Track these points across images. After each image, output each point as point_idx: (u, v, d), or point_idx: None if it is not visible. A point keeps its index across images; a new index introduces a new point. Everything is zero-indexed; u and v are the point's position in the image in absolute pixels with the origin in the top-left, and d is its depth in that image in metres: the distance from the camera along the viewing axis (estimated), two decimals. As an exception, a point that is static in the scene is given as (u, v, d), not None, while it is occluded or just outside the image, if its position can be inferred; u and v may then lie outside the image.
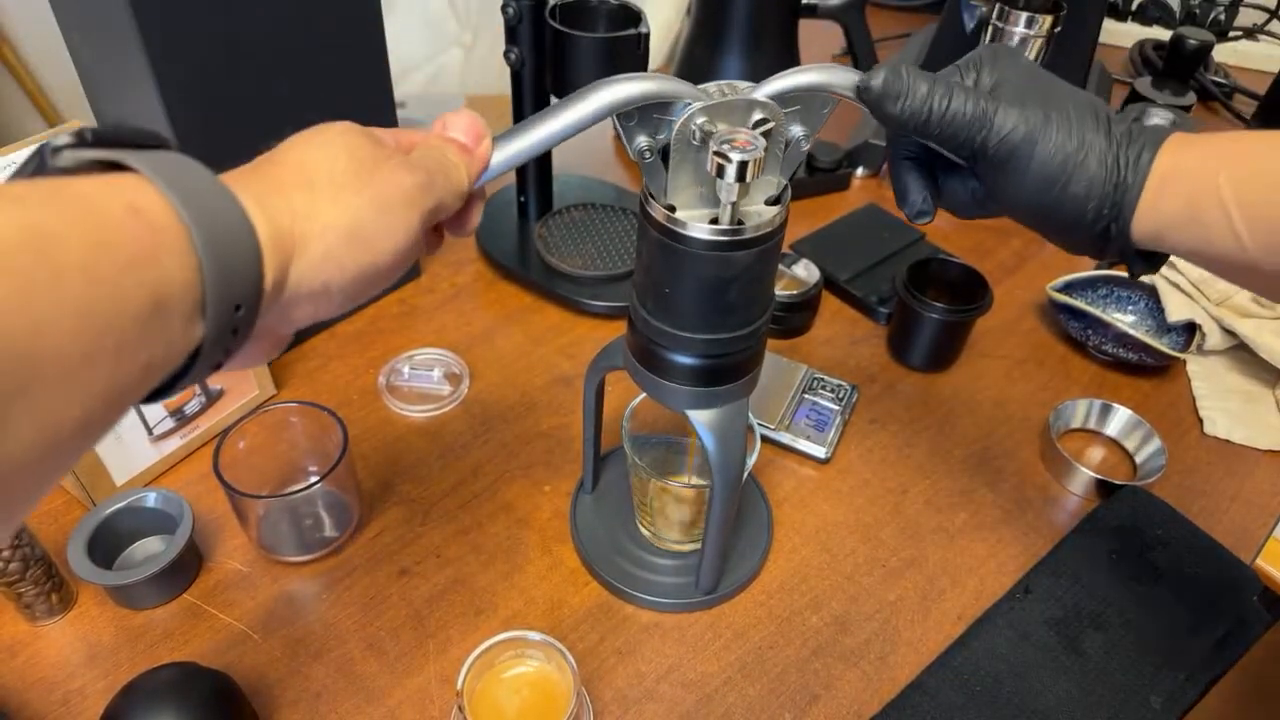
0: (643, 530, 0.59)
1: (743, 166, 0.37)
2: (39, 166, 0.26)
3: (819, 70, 0.40)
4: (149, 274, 0.24)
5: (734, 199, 0.39)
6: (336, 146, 0.32)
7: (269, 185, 0.30)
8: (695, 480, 0.60)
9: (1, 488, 0.22)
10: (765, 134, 0.39)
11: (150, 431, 0.59)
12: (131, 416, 0.58)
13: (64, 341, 0.22)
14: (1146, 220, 0.37)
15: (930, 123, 0.39)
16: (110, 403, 0.24)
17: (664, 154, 0.40)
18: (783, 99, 0.39)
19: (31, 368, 0.21)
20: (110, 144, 0.26)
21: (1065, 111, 0.38)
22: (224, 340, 0.28)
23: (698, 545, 0.58)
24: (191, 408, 0.61)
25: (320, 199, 0.31)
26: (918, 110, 0.38)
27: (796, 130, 0.40)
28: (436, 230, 0.39)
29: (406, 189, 0.33)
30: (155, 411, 0.59)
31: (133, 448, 0.59)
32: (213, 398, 0.62)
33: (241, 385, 0.64)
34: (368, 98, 0.66)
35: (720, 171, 0.38)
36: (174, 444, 0.62)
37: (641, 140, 0.39)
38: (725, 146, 0.37)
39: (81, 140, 0.26)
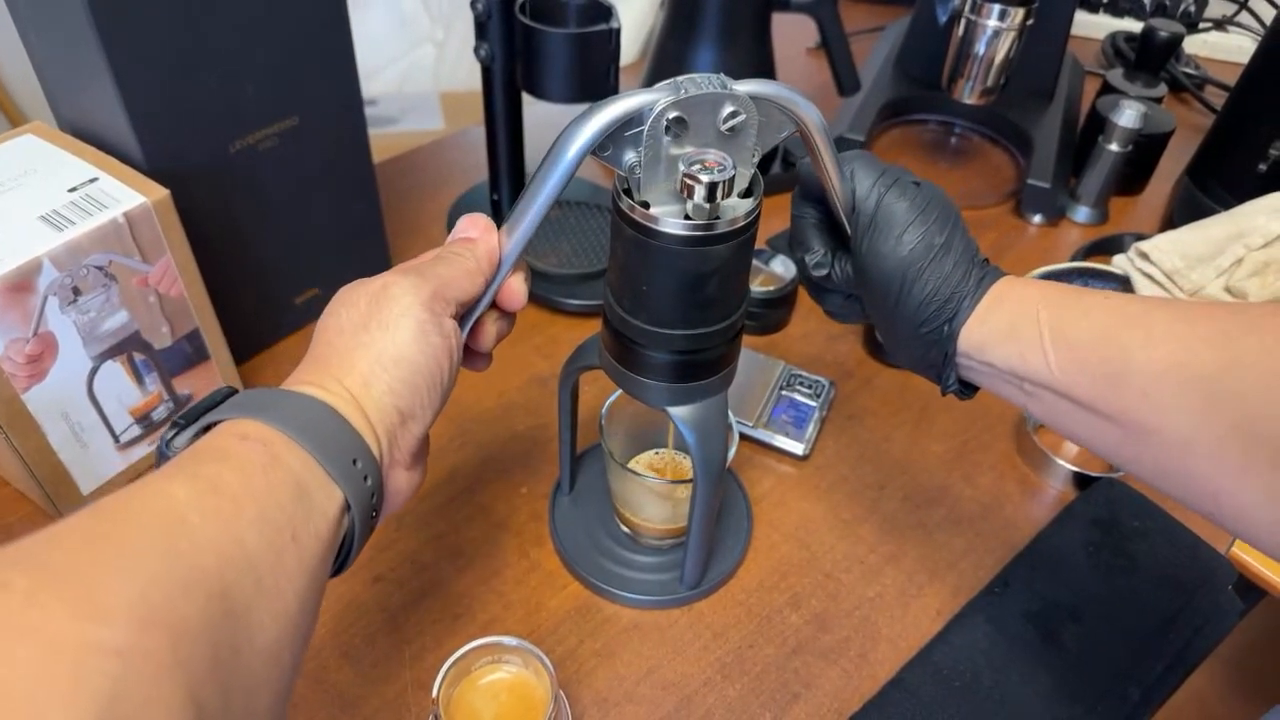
0: (622, 528, 0.59)
1: (712, 188, 0.37)
2: (164, 459, 0.32)
3: (786, 89, 0.39)
4: (280, 470, 0.31)
5: (705, 216, 0.38)
6: (337, 309, 0.38)
7: (313, 370, 0.36)
8: (674, 472, 0.59)
9: (269, 669, 0.28)
10: (734, 129, 0.38)
11: (117, 439, 0.58)
12: (96, 423, 0.56)
13: (259, 544, 0.28)
14: (975, 331, 0.42)
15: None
16: (310, 578, 0.31)
17: None
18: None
19: (252, 571, 0.28)
20: (196, 418, 0.34)
21: (948, 216, 0.44)
22: (362, 492, 0.34)
23: (678, 541, 0.57)
24: (159, 414, 0.60)
25: (347, 354, 0.37)
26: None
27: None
28: (495, 308, 0.43)
29: (396, 296, 0.37)
30: (122, 419, 0.58)
31: (99, 455, 0.58)
32: (181, 403, 0.61)
33: (210, 388, 0.63)
34: (335, 97, 0.65)
35: (690, 193, 0.38)
36: (142, 451, 0.60)
37: (628, 157, 0.39)
38: (695, 169, 0.37)
39: (178, 426, 0.34)
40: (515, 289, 0.43)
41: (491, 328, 0.44)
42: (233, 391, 0.35)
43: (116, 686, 0.21)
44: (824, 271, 0.47)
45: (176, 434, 0.34)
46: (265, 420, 0.32)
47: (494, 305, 0.43)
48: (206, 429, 0.33)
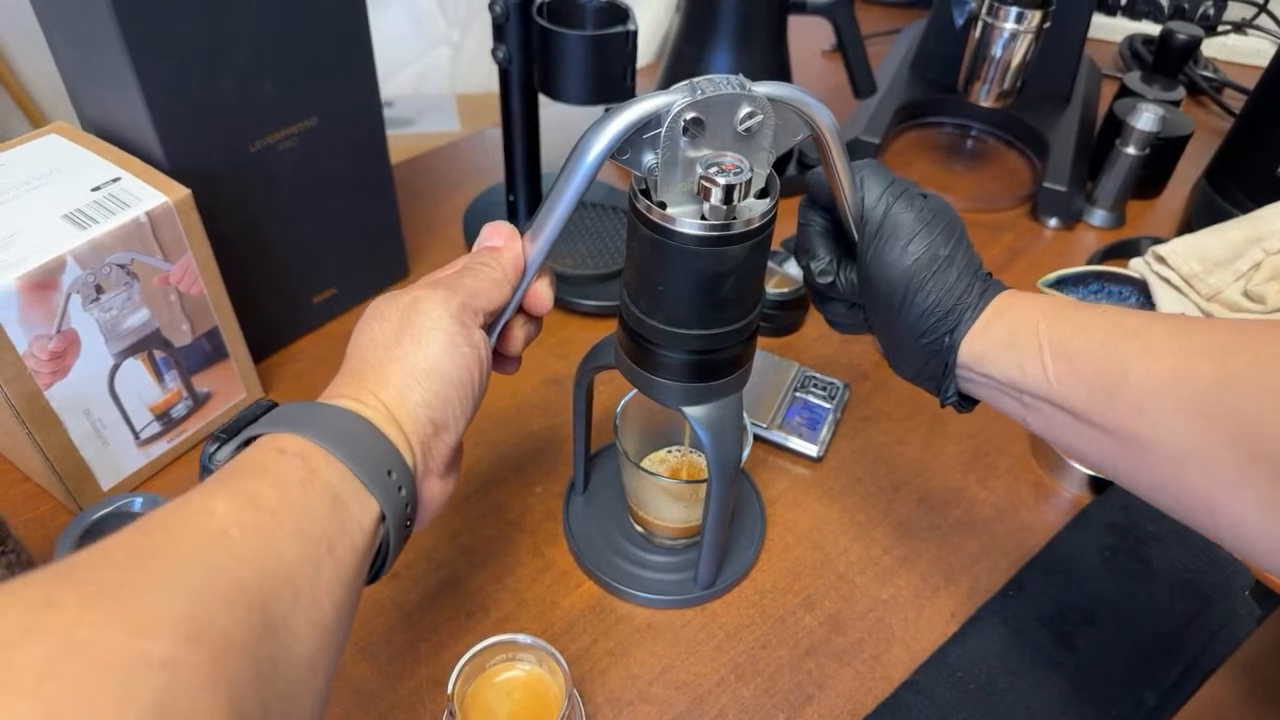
0: (636, 528, 0.59)
1: (729, 190, 0.37)
2: (206, 472, 0.34)
3: (799, 90, 0.40)
4: (317, 484, 0.32)
5: (722, 217, 0.39)
6: (369, 323, 0.39)
7: (348, 383, 0.37)
8: (688, 472, 0.59)
9: (306, 679, 0.29)
10: (751, 129, 0.38)
11: (137, 435, 0.59)
12: (117, 420, 0.57)
13: (297, 557, 0.29)
14: (976, 340, 0.42)
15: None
16: (346, 589, 0.31)
17: None
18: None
19: (291, 584, 0.28)
20: (237, 432, 0.35)
21: (954, 229, 0.44)
22: (397, 502, 0.35)
23: (692, 541, 0.58)
24: (179, 411, 0.61)
25: (380, 368, 0.37)
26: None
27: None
28: (522, 313, 0.44)
29: (426, 309, 0.38)
30: (142, 415, 0.58)
31: (119, 452, 0.58)
32: (200, 401, 0.62)
33: (229, 388, 0.64)
34: (354, 97, 0.65)
35: (707, 195, 0.38)
36: (161, 448, 0.61)
37: (647, 159, 0.39)
38: (712, 170, 0.37)
39: (219, 439, 0.35)
40: (541, 294, 0.44)
41: (519, 332, 0.45)
42: (272, 405, 0.36)
43: (162, 699, 0.22)
44: (829, 279, 0.48)
45: (219, 448, 0.35)
46: (303, 434, 0.33)
47: (521, 310, 0.44)
48: (248, 442, 0.34)
